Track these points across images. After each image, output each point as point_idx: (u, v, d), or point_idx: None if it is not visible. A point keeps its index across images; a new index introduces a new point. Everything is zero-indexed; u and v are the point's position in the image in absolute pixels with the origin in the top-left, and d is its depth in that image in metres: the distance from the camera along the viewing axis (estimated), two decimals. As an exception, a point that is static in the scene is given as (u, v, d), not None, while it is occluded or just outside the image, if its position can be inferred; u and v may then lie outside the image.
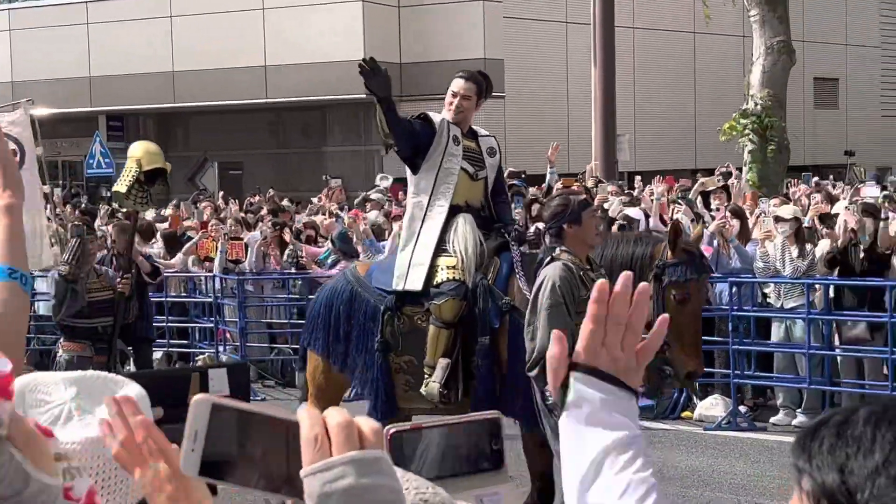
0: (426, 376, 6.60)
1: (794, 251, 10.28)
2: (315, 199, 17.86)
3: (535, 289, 5.75)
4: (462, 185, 6.81)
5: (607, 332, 1.53)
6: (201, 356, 13.14)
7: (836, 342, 10.51)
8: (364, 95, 7.78)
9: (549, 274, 5.68)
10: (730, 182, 14.52)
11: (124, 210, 12.14)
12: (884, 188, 16.13)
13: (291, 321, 12.90)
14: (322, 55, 27.07)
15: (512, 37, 28.31)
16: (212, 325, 13.23)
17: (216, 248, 12.66)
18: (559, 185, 13.24)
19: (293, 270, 12.68)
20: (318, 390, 7.03)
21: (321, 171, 27.11)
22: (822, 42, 35.64)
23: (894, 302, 9.68)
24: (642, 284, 1.60)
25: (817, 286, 10.39)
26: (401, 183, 22.56)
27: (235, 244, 12.49)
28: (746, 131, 18.95)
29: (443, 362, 6.50)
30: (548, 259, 5.82)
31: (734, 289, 10.58)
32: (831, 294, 10.34)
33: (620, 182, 16.92)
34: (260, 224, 14.13)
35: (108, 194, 20.77)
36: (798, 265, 10.24)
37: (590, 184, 15.34)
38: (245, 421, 1.28)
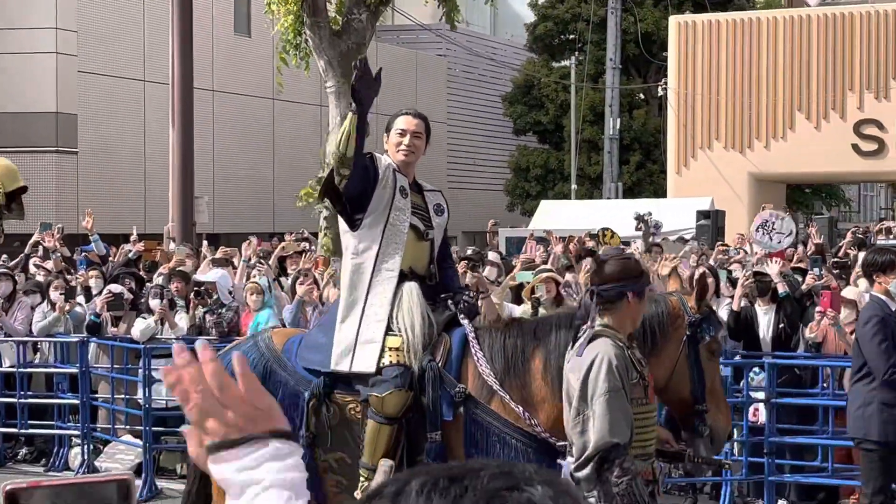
0: (362, 479, 5.42)
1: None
2: None
3: (582, 372, 4.76)
4: (409, 247, 5.62)
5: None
6: None
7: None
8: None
9: (602, 352, 4.73)
10: (305, 247, 14.81)
11: None
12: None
13: None
14: None
15: (87, 92, 27.38)
16: None
17: None
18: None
19: None
20: None
21: None
22: (394, 115, 37.43)
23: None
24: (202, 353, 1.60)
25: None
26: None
27: None
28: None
29: (385, 465, 5.15)
30: (587, 334, 4.83)
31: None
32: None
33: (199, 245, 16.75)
34: None
35: None
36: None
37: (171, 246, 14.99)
38: None
